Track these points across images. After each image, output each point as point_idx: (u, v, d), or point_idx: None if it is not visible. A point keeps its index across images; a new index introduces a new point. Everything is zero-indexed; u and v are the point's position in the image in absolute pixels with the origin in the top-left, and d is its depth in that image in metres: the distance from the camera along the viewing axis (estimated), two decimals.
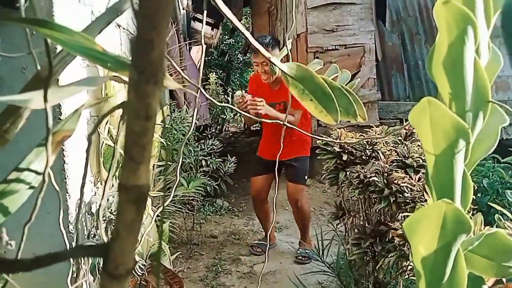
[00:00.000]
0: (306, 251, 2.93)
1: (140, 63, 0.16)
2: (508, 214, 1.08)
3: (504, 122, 0.49)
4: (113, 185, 1.70)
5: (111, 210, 1.44)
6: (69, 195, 1.40)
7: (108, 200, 1.48)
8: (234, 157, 4.30)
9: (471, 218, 2.01)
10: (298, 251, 3.00)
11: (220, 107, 8.55)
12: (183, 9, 6.24)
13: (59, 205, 0.41)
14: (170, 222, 2.70)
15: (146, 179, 0.17)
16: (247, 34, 0.59)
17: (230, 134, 9.15)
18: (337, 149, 2.00)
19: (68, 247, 0.59)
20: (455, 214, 0.37)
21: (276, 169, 1.05)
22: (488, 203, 2.53)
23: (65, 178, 1.41)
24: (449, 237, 0.38)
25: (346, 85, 0.74)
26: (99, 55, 0.28)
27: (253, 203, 3.11)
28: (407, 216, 1.40)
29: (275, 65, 0.63)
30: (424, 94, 5.26)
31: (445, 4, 0.37)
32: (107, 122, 1.70)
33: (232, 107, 0.67)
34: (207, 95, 0.64)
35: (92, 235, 1.42)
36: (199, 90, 0.66)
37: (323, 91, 0.64)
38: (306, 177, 2.95)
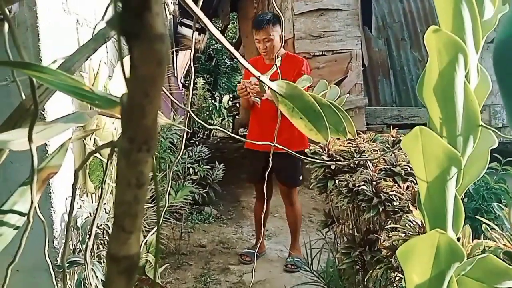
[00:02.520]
0: (296, 259, 2.92)
1: (131, 131, 0.15)
2: (493, 225, 1.10)
3: (493, 144, 0.50)
4: (100, 197, 1.67)
5: (97, 224, 1.41)
6: (53, 210, 1.37)
7: (93, 213, 1.45)
8: (222, 164, 4.28)
9: None
10: (288, 259, 2.99)
11: (207, 112, 8.53)
12: (169, 14, 6.21)
13: (44, 236, 0.40)
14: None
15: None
16: (232, 50, 0.59)
17: (218, 140, 9.12)
18: (325, 157, 2.01)
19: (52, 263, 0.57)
20: (449, 244, 0.37)
21: (270, 168, 0.95)
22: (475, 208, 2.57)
23: (50, 192, 1.38)
24: (443, 266, 0.38)
25: (335, 101, 0.75)
26: (86, 94, 0.27)
27: (258, 207, 3.06)
28: (395, 227, 1.42)
29: (264, 83, 0.63)
30: (410, 99, 5.34)
31: (436, 32, 0.37)
32: (92, 133, 1.67)
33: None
34: (187, 109, 0.63)
35: (78, 250, 1.39)
36: (185, 103, 0.65)
37: (312, 109, 0.64)
38: (301, 177, 2.88)
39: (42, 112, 1.31)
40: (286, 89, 0.64)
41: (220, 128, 0.62)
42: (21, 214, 0.30)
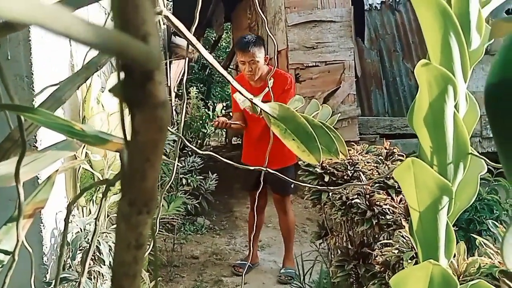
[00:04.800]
0: (289, 270, 2.91)
1: (132, 195, 0.15)
2: (487, 242, 1.11)
3: (483, 170, 0.50)
4: (90, 212, 1.66)
5: (87, 239, 1.39)
6: (43, 225, 1.35)
7: (84, 228, 1.43)
8: (215, 174, 4.27)
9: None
10: (281, 271, 2.97)
11: (200, 121, 8.53)
12: (163, 24, 6.24)
13: (30, 264, 0.39)
14: (149, 245, 2.64)
15: None
16: (215, 64, 0.59)
17: (211, 149, 9.10)
18: (318, 170, 2.01)
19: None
20: (442, 275, 0.38)
21: (262, 180, 0.97)
22: (468, 219, 2.59)
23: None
24: None
25: (327, 120, 0.75)
26: (78, 132, 0.27)
27: (251, 216, 3.06)
28: (388, 243, 1.42)
29: (256, 105, 0.63)
30: (402, 109, 5.39)
31: (425, 66, 0.38)
32: (84, 145, 1.66)
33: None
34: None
35: (68, 266, 1.37)
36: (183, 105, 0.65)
37: (305, 130, 0.64)
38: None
39: (34, 136, 1.30)
40: (279, 111, 0.64)
41: (212, 154, 0.62)
42: (6, 253, 0.29)
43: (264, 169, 0.58)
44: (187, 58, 0.69)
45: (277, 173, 0.60)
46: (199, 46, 0.52)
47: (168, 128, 0.56)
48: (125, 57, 0.12)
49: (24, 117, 0.25)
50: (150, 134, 0.15)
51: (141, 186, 0.15)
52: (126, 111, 0.15)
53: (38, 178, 1.03)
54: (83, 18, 0.11)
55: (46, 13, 0.09)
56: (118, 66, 0.14)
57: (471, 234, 2.34)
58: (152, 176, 0.15)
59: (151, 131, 0.15)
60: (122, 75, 0.14)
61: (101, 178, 1.74)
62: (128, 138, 0.15)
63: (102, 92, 1.96)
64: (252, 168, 0.62)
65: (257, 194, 2.31)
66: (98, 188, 1.84)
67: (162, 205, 3.05)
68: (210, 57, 0.54)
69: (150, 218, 0.16)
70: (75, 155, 1.47)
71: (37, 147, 1.29)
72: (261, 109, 0.63)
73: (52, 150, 0.33)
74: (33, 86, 1.42)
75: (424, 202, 0.41)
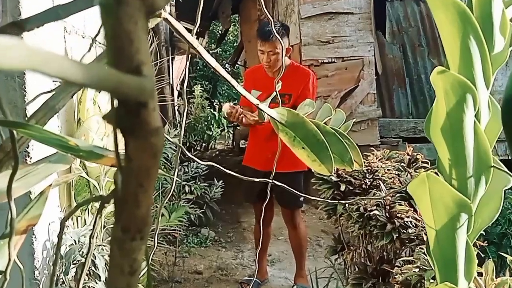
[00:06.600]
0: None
1: (125, 221, 0.17)
2: None
3: (508, 184, 0.51)
4: (85, 222, 1.69)
5: (82, 252, 1.42)
6: (35, 237, 1.38)
7: (79, 240, 1.46)
8: (221, 181, 4.29)
9: (483, 256, 2.01)
10: None
11: (205, 122, 8.58)
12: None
13: (21, 279, 0.41)
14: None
15: None
16: (218, 67, 0.60)
17: (217, 153, 9.14)
18: (334, 178, 2.02)
19: None
20: None
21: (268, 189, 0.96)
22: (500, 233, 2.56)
23: None
24: None
25: (340, 127, 0.76)
26: (72, 146, 0.28)
27: (257, 229, 3.07)
28: (410, 260, 1.42)
29: (263, 111, 0.64)
30: (427, 110, 5.35)
31: (441, 73, 0.39)
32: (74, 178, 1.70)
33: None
34: None
35: (61, 282, 1.40)
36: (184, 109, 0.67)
37: (315, 138, 0.65)
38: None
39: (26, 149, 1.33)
40: (287, 117, 0.65)
41: (213, 164, 0.63)
42: None
43: (270, 181, 0.59)
44: (189, 55, 0.70)
45: (284, 185, 0.61)
46: (200, 48, 0.54)
47: (167, 136, 0.57)
48: (119, 94, 0.14)
49: (17, 132, 0.27)
50: (143, 161, 0.16)
51: (134, 212, 0.16)
52: (120, 137, 0.16)
53: (31, 193, 1.06)
54: (75, 60, 0.12)
55: (40, 59, 0.11)
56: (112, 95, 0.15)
57: (503, 250, 2.31)
58: (145, 202, 0.16)
59: (145, 157, 0.16)
60: (116, 102, 0.15)
61: (97, 185, 1.77)
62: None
63: (99, 92, 2.00)
64: (257, 180, 0.63)
65: (261, 205, 2.29)
66: (93, 196, 1.87)
67: (163, 215, 3.08)
68: (212, 60, 0.56)
69: (144, 244, 0.17)
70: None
71: (28, 153, 1.33)
72: (268, 115, 0.64)
73: (46, 164, 0.34)
74: (25, 86, 1.45)
75: (440, 219, 0.41)
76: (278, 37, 0.84)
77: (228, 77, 0.58)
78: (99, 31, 0.54)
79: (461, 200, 0.40)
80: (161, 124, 0.16)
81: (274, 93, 0.74)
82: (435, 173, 0.50)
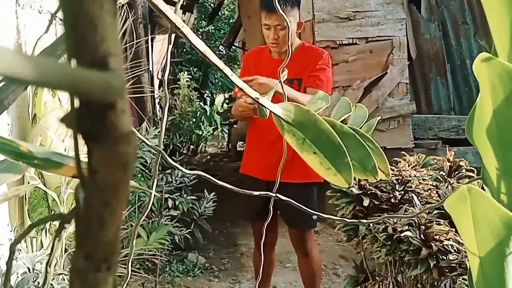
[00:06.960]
0: None
1: (88, 247, 0.17)
2: None
3: None
4: (41, 245, 1.69)
5: (38, 283, 1.42)
6: None
7: (33, 268, 1.46)
8: (213, 193, 4.30)
9: None
10: None
11: (193, 119, 8.57)
12: None
13: None
14: None
15: None
16: (210, 54, 0.60)
17: (208, 158, 9.16)
18: (355, 190, 2.02)
19: None
20: None
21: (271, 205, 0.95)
22: None
23: None
24: None
25: (361, 127, 0.76)
26: (23, 153, 0.29)
27: (256, 256, 3.08)
28: None
29: (264, 106, 0.65)
30: (473, 104, 5.36)
31: (486, 61, 0.39)
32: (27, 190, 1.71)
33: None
34: None
35: None
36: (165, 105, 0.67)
37: (330, 140, 0.66)
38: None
39: None
40: (295, 114, 0.65)
41: (202, 174, 0.63)
42: None
43: (274, 194, 0.60)
44: (172, 35, 0.70)
45: (291, 200, 0.62)
46: (185, 29, 0.54)
47: (143, 138, 0.58)
48: (79, 94, 0.14)
49: None
50: (111, 174, 0.16)
51: (100, 237, 0.17)
52: (82, 143, 0.16)
53: None
54: (27, 54, 0.12)
55: None
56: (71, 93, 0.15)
57: None
58: (113, 224, 0.17)
59: (112, 170, 0.16)
60: (76, 102, 0.15)
61: (57, 199, 1.78)
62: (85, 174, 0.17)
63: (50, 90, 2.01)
64: (256, 193, 0.64)
65: (265, 226, 2.28)
66: (52, 211, 1.88)
67: (139, 236, 3.08)
68: (200, 43, 0.56)
69: (112, 275, 0.17)
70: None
71: None
72: (270, 111, 0.64)
73: None
74: None
75: (486, 244, 0.42)
76: (287, 7, 0.84)
77: (221, 64, 0.58)
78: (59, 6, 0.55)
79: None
80: (133, 129, 0.17)
81: (282, 79, 0.74)
82: (481, 186, 0.50)
